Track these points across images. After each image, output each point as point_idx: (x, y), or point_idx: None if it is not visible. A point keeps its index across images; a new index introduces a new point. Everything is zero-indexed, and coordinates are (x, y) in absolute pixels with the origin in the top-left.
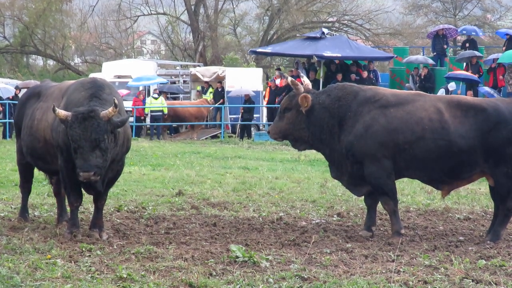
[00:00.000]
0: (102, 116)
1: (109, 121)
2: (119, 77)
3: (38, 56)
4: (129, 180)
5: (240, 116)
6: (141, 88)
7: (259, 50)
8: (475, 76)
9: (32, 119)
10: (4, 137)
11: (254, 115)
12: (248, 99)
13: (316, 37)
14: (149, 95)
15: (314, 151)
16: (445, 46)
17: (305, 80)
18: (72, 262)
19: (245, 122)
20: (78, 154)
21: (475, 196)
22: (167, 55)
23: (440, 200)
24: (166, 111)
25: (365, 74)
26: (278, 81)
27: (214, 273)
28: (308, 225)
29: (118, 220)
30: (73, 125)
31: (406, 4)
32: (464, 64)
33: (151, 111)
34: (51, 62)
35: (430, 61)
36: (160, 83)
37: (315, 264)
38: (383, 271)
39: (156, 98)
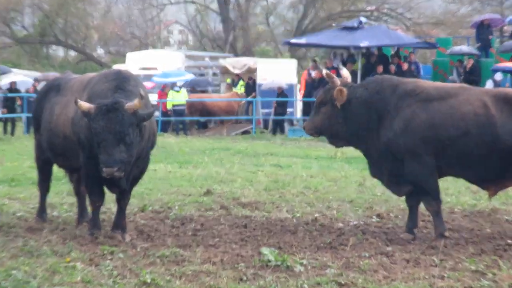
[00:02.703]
0: (127, 108)
1: (135, 114)
2: (144, 69)
3: (59, 47)
4: (154, 178)
5: (272, 110)
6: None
7: (293, 41)
8: None
9: (51, 114)
10: (23, 132)
11: (288, 110)
12: (281, 93)
13: (354, 27)
14: (173, 88)
15: (352, 148)
16: (490, 36)
17: (344, 72)
18: (93, 265)
19: (278, 117)
20: (101, 148)
21: None
22: (195, 46)
23: (487, 200)
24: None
25: (405, 66)
26: (313, 73)
27: (245, 278)
28: (345, 227)
29: (142, 221)
30: (97, 117)
31: None
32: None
33: (174, 105)
34: (72, 53)
35: (476, 52)
36: (188, 80)
37: (352, 269)
38: (426, 277)
39: (178, 91)
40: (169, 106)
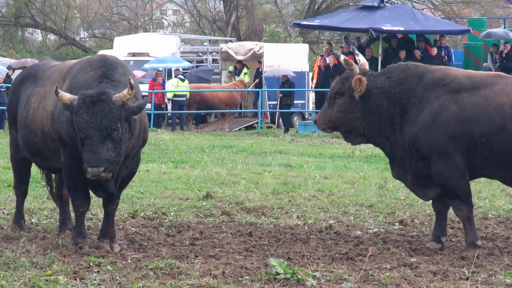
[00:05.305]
0: (115, 100)
1: (124, 106)
2: (134, 54)
3: (36, 30)
4: (146, 180)
5: (278, 102)
6: (160, 69)
7: (304, 22)
8: None
9: (27, 108)
10: None
11: (299, 101)
12: (286, 81)
13: (374, 6)
14: (169, 76)
15: (371, 145)
16: None
17: (361, 59)
18: (77, 279)
19: (283, 110)
20: (86, 146)
21: None
22: (193, 29)
23: None
24: (188, 95)
25: (434, 51)
26: (328, 59)
27: None
28: (364, 235)
29: (133, 229)
30: (80, 110)
31: None
32: None
33: (175, 96)
34: (51, 36)
35: None
36: (186, 68)
37: (372, 283)
38: None
39: (183, 80)
40: (170, 95)
